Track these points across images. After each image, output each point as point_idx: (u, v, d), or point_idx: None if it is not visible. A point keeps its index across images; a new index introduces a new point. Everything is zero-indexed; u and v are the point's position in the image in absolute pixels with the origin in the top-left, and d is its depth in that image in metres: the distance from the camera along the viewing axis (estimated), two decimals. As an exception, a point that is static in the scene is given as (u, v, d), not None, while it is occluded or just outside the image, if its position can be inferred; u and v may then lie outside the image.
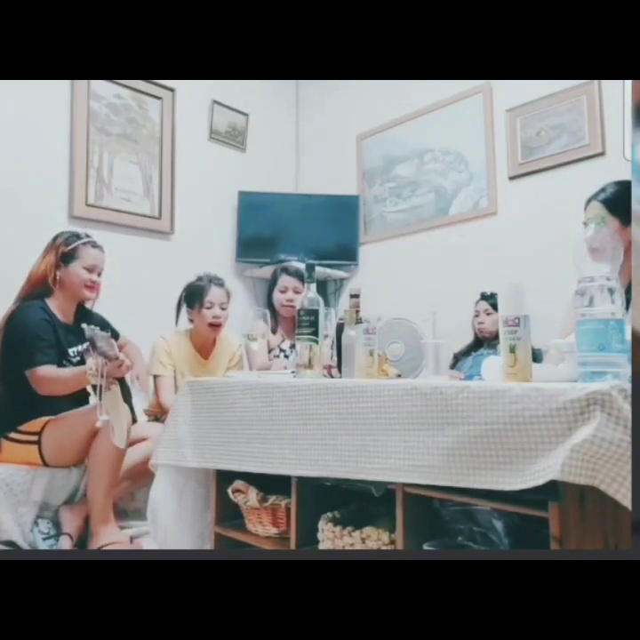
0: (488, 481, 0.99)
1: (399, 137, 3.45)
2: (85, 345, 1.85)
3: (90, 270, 2.14)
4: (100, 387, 1.80)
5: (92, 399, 2.04)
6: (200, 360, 2.50)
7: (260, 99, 3.73)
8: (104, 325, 2.33)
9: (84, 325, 1.81)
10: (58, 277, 2.10)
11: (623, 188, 1.67)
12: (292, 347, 2.64)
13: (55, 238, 2.17)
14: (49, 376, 1.96)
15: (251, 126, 3.67)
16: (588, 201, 1.76)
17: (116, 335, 2.36)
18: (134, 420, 2.17)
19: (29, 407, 2.00)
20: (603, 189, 1.73)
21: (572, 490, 0.92)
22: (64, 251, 2.11)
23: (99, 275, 2.18)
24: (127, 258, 2.87)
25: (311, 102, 3.95)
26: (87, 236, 2.21)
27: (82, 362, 2.10)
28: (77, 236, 2.17)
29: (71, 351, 2.11)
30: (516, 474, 0.96)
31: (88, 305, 2.26)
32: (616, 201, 1.68)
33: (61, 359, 2.06)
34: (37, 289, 2.10)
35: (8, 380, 2.03)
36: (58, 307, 2.13)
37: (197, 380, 1.67)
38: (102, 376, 1.79)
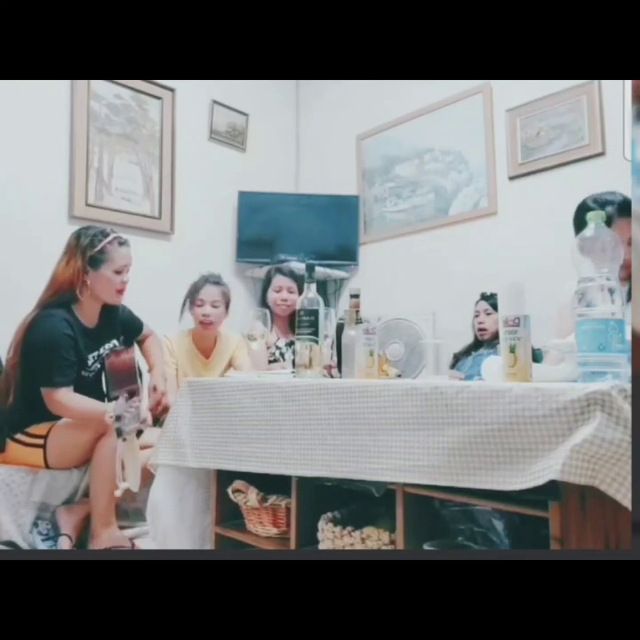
0: (488, 481, 0.99)
1: (399, 137, 3.45)
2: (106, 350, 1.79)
3: (120, 272, 1.97)
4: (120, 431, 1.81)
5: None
6: (202, 359, 2.50)
7: (260, 99, 3.73)
8: (131, 319, 2.23)
9: (110, 416, 1.79)
10: (86, 283, 1.94)
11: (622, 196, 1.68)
12: (288, 344, 2.65)
13: (78, 237, 1.96)
14: (65, 404, 1.88)
15: (251, 126, 3.67)
16: (587, 202, 1.75)
17: (140, 325, 2.28)
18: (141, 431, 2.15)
19: (39, 411, 1.93)
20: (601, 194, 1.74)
21: (573, 490, 0.92)
22: (91, 254, 1.93)
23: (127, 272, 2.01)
24: (127, 258, 2.86)
25: (311, 102, 3.96)
26: (113, 231, 2.00)
27: (101, 368, 2.05)
28: (103, 233, 1.96)
29: (90, 357, 2.02)
30: (516, 474, 0.96)
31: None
32: (618, 203, 1.68)
33: (80, 370, 1.99)
34: (62, 295, 1.94)
35: (22, 386, 1.94)
36: (82, 312, 1.99)
37: (197, 380, 1.67)
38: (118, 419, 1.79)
